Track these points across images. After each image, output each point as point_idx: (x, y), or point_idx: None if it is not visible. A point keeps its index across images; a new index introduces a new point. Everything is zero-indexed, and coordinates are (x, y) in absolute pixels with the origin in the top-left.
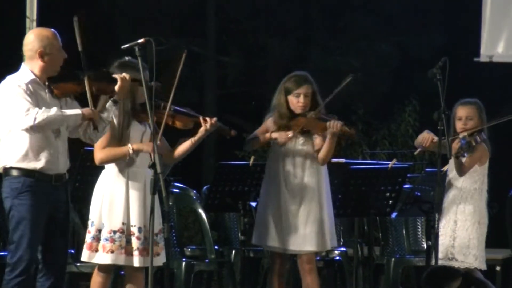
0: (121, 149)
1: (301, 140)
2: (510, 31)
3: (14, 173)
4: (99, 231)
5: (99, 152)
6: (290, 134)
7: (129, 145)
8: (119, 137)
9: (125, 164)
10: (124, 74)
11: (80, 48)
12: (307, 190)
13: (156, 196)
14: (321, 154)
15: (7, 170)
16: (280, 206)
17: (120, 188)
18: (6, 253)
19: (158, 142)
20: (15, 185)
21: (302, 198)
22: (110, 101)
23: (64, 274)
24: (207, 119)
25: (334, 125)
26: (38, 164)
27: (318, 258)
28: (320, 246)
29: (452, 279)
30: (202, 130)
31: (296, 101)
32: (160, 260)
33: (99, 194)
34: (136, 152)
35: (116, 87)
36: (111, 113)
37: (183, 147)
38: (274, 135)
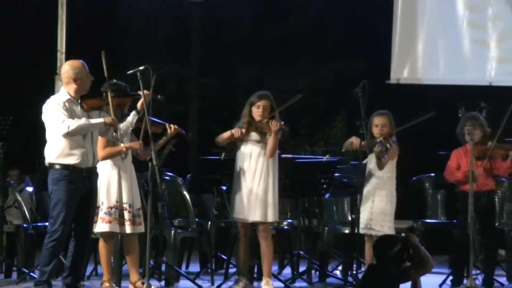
0: (116, 148)
1: (258, 139)
2: (412, 60)
3: (56, 166)
4: (98, 207)
5: (101, 151)
6: (243, 130)
7: (122, 145)
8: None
9: (117, 159)
10: (147, 92)
11: (106, 73)
12: (262, 176)
13: (135, 177)
14: (267, 148)
15: (50, 165)
16: (244, 189)
17: (114, 176)
18: (44, 223)
19: (141, 141)
20: (55, 175)
21: (259, 183)
22: (134, 111)
23: (88, 240)
24: (172, 126)
25: (274, 124)
26: (72, 160)
27: (272, 227)
28: (272, 218)
29: (393, 245)
30: (168, 133)
31: (257, 111)
32: (142, 228)
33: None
34: (128, 149)
35: (140, 102)
36: (135, 120)
37: (155, 146)
38: (232, 131)
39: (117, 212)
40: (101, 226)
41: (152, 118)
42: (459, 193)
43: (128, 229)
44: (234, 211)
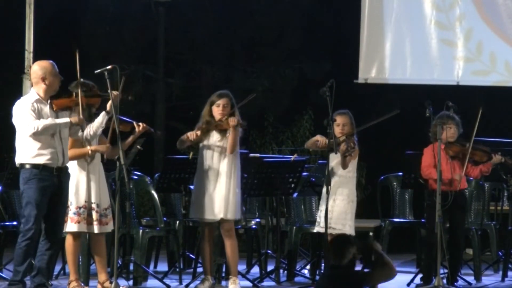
0: (82, 150)
1: (218, 137)
2: (379, 60)
3: (26, 166)
4: (67, 207)
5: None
6: (198, 132)
7: (88, 147)
8: (81, 139)
9: (85, 160)
10: (115, 92)
11: (78, 72)
12: (223, 175)
13: (103, 176)
14: (227, 144)
15: (21, 165)
16: (207, 189)
17: (83, 176)
18: (12, 223)
19: (108, 145)
20: (26, 175)
21: (221, 181)
22: (103, 112)
23: (59, 239)
24: (140, 124)
25: (232, 119)
26: (42, 160)
27: (239, 226)
28: (233, 216)
29: (349, 245)
30: (136, 131)
31: (217, 110)
32: (110, 227)
33: None
34: (94, 152)
35: (109, 103)
36: (105, 120)
37: (124, 144)
38: (187, 133)
39: (86, 212)
40: (70, 226)
41: (120, 117)
42: (430, 191)
43: (95, 228)
44: (198, 211)
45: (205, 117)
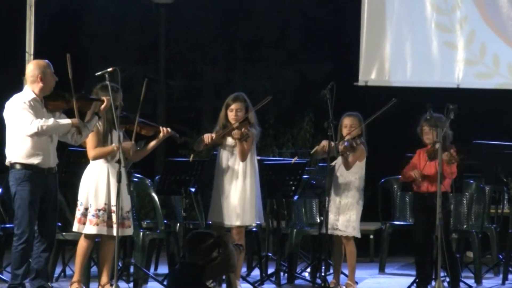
0: (108, 148)
1: (233, 142)
2: (379, 63)
3: (17, 166)
4: (86, 209)
5: (92, 151)
6: (213, 135)
7: (113, 145)
8: (105, 140)
9: (105, 161)
10: (108, 97)
11: (70, 76)
12: (238, 180)
13: (125, 179)
14: (237, 155)
15: (12, 164)
16: (221, 193)
17: (103, 179)
18: (12, 225)
19: (132, 142)
20: (18, 175)
21: (238, 185)
22: (95, 116)
23: (54, 240)
24: (164, 128)
25: (235, 133)
26: (35, 160)
27: None
28: (248, 221)
29: (203, 240)
30: (160, 136)
31: (231, 114)
32: (131, 231)
33: (86, 183)
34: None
35: (102, 106)
36: (95, 124)
37: (148, 148)
38: (203, 136)
39: (105, 214)
40: (88, 228)
41: (144, 120)
42: (412, 194)
43: (115, 231)
44: (210, 214)
45: (221, 121)
